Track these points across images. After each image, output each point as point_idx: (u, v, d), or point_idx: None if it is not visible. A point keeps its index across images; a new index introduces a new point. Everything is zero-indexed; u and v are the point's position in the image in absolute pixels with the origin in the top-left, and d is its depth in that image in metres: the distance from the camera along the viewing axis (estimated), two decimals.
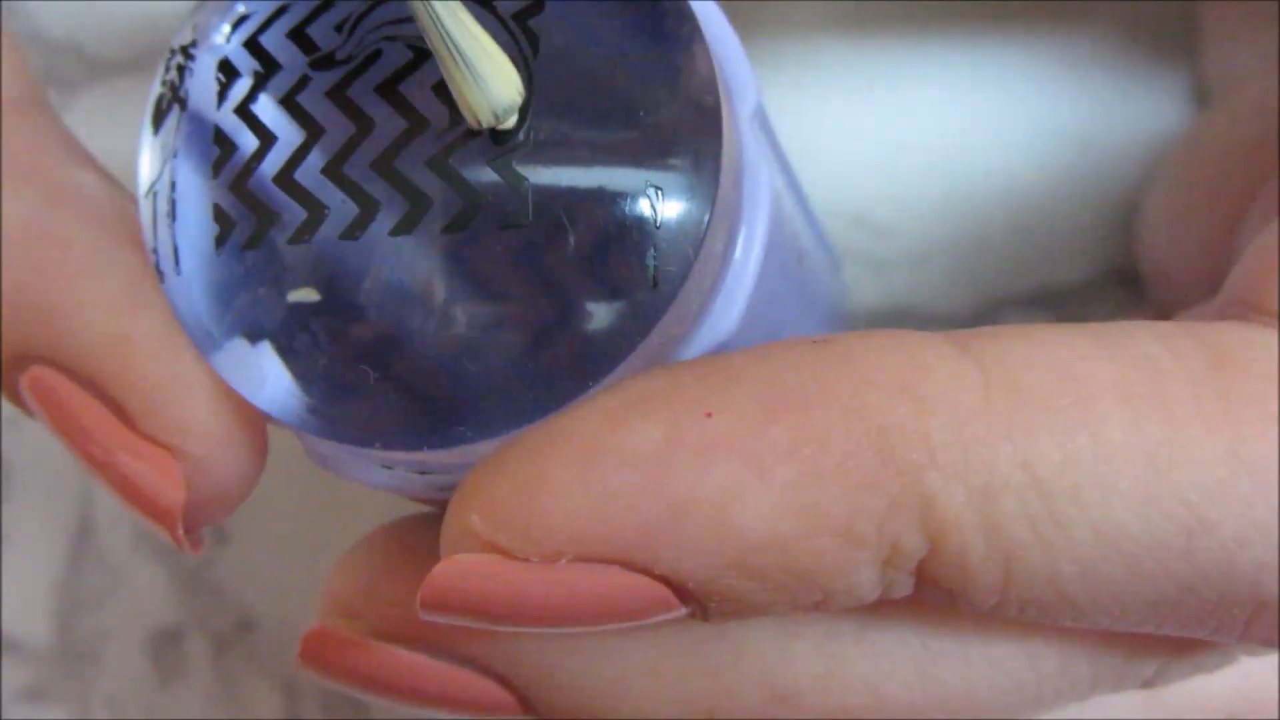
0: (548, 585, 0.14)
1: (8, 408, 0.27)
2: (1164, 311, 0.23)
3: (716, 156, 0.14)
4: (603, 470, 0.14)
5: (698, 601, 0.14)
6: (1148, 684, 0.17)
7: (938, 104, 0.25)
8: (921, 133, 0.25)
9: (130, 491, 0.15)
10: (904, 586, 0.15)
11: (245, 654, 0.26)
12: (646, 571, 0.14)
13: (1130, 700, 0.19)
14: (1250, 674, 0.19)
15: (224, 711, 0.26)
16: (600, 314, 0.14)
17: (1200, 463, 0.14)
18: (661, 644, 0.16)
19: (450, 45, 0.14)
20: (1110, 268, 0.25)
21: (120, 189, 0.16)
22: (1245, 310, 0.16)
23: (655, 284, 0.14)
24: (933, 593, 0.15)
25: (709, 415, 0.14)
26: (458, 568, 0.14)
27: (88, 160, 0.17)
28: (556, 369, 0.14)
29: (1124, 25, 0.25)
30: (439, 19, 0.13)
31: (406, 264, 0.14)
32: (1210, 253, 0.21)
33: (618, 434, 0.14)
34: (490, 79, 0.14)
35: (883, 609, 0.16)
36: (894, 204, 0.25)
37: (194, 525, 0.16)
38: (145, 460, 0.15)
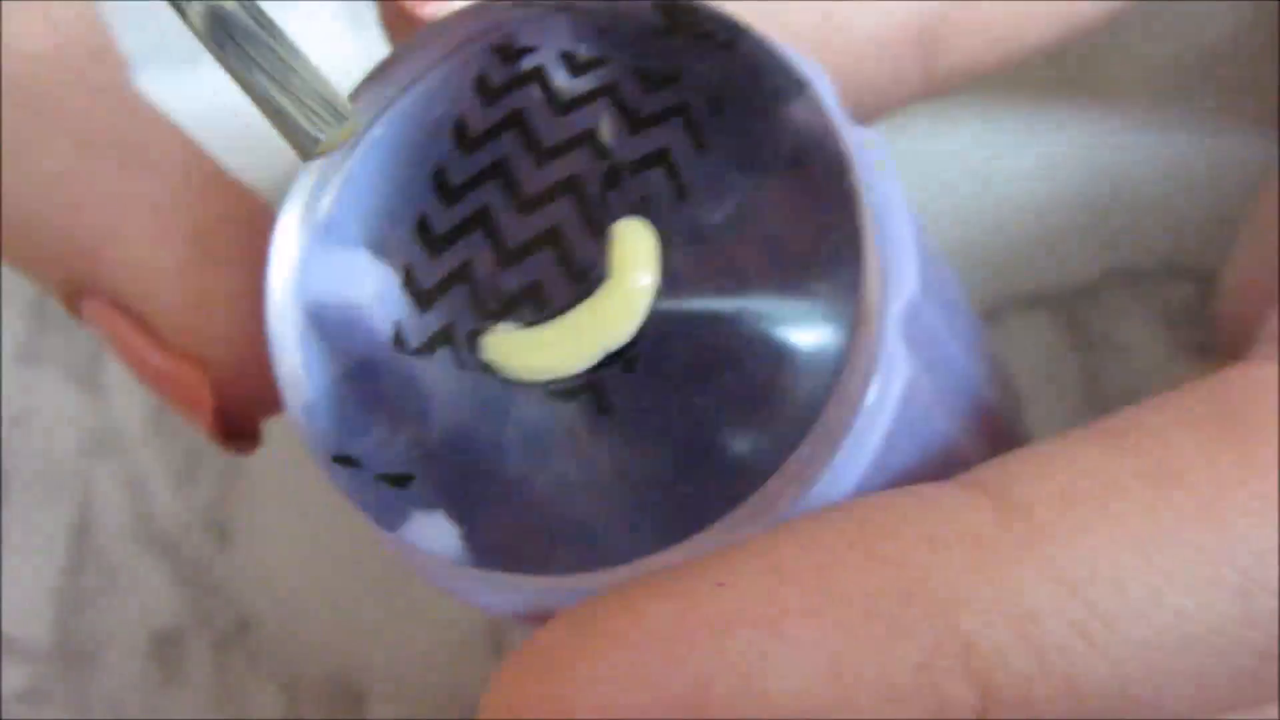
0: None
1: (8, 407, 0.27)
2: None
3: (843, 358, 0.14)
4: (621, 655, 0.13)
5: None
6: None
7: (938, 103, 0.25)
8: (922, 133, 0.25)
9: (171, 395, 0.18)
10: None
11: (245, 654, 0.26)
12: None
13: None
14: None
15: (224, 711, 0.26)
16: (700, 478, 0.14)
17: (1232, 522, 0.14)
18: None
19: (262, 99, 0.14)
20: (1111, 268, 0.25)
21: (176, 131, 0.18)
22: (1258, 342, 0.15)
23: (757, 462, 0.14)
24: None
25: (721, 585, 0.13)
26: None
27: (126, 100, 0.18)
28: (648, 520, 0.14)
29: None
30: (244, 80, 0.14)
31: (520, 400, 0.14)
32: None
33: (630, 617, 0.13)
34: (296, 121, 0.14)
35: None
36: None
37: (237, 428, 0.18)
38: (176, 369, 0.17)
